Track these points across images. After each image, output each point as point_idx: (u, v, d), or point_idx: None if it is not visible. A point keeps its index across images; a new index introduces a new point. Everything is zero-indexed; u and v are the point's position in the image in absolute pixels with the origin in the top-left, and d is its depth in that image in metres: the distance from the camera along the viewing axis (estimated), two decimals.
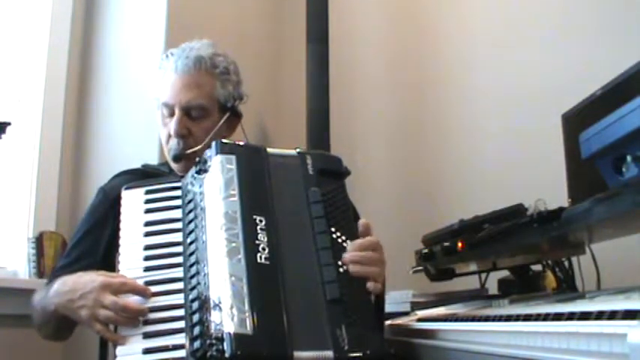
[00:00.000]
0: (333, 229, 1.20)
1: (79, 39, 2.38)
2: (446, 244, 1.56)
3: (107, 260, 1.41)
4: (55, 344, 2.11)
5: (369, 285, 1.16)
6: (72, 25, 2.34)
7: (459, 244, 1.51)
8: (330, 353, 1.06)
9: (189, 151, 1.46)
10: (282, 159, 1.27)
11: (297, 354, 1.04)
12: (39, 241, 2.08)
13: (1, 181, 2.18)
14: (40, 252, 2.05)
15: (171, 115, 1.47)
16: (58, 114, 2.27)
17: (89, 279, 1.19)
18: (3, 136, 1.36)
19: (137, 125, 2.21)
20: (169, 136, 1.48)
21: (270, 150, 1.28)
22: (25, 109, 2.22)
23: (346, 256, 1.17)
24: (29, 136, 2.21)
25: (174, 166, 1.51)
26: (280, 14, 2.94)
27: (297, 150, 1.29)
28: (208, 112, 1.49)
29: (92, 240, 1.46)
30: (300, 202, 1.22)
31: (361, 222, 1.25)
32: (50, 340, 1.46)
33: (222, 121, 1.51)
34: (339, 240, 1.20)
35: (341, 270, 1.16)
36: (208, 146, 1.33)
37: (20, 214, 2.17)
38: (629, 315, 0.69)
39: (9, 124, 1.37)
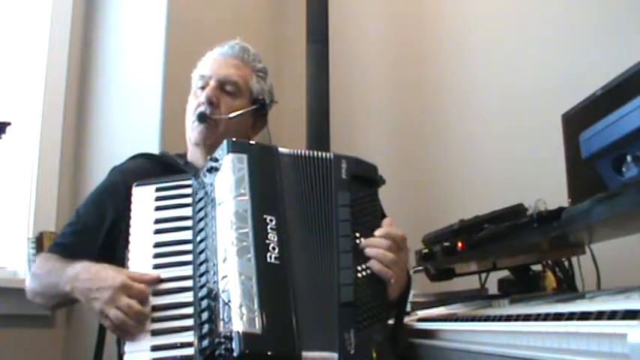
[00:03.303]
0: (357, 234, 1.20)
1: (79, 39, 2.38)
2: (446, 244, 1.56)
3: (111, 237, 1.40)
4: (55, 344, 2.12)
5: (379, 268, 1.16)
6: (72, 25, 2.34)
7: (459, 244, 1.52)
8: (334, 355, 1.06)
9: (214, 116, 1.49)
10: (313, 161, 1.26)
11: (305, 354, 1.05)
12: (39, 241, 2.07)
13: (1, 181, 2.18)
14: (40, 252, 2.05)
15: (205, 87, 1.52)
16: (58, 114, 2.27)
17: (111, 274, 1.19)
18: (3, 136, 1.36)
19: (137, 125, 2.21)
20: (198, 105, 1.51)
21: (302, 152, 1.27)
22: (25, 109, 2.23)
23: (368, 239, 1.19)
24: (29, 136, 2.21)
25: (191, 134, 1.51)
26: (280, 14, 2.94)
27: (334, 153, 1.29)
28: (240, 93, 1.54)
29: (100, 214, 1.45)
30: (326, 204, 1.22)
31: (386, 220, 1.26)
32: (42, 307, 1.46)
33: (249, 108, 1.54)
34: (363, 243, 1.20)
35: (359, 275, 1.16)
36: (230, 125, 1.47)
37: (20, 214, 2.17)
38: (629, 315, 0.69)
39: (9, 124, 1.37)
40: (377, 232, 1.21)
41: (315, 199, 1.22)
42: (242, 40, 1.61)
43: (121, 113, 2.28)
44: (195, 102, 1.53)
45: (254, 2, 2.82)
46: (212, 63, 1.56)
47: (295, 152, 1.27)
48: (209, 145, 1.48)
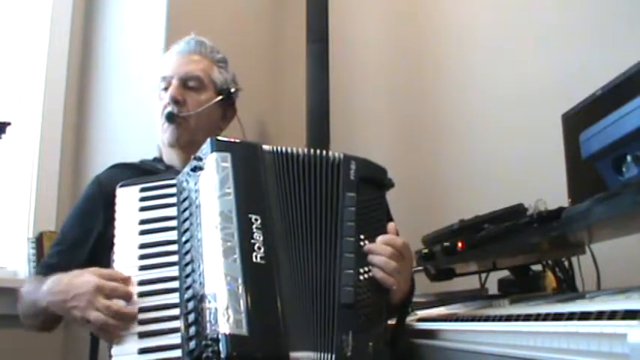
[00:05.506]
0: (362, 237, 1.20)
1: (79, 39, 2.38)
2: (446, 244, 1.55)
3: (96, 250, 1.41)
4: (55, 344, 2.12)
5: (382, 275, 1.16)
6: (72, 25, 2.34)
7: (459, 244, 1.51)
8: (330, 356, 1.06)
9: (182, 114, 1.48)
10: (312, 160, 1.25)
11: (293, 354, 1.04)
12: (39, 241, 2.07)
13: (1, 181, 2.18)
14: (40, 252, 2.05)
15: (168, 87, 1.52)
16: (58, 114, 2.27)
17: (84, 280, 1.17)
18: (3, 136, 1.36)
19: (137, 125, 2.21)
20: (164, 107, 1.50)
21: (297, 150, 1.25)
22: (25, 109, 2.23)
23: (371, 246, 1.19)
24: (29, 136, 2.21)
25: (163, 136, 1.51)
26: (280, 14, 2.94)
27: (344, 154, 1.28)
28: (204, 87, 1.53)
29: (83, 230, 1.45)
30: (330, 204, 1.21)
31: (390, 225, 1.25)
32: (33, 331, 1.47)
33: (216, 99, 1.54)
34: (366, 248, 1.20)
35: (361, 277, 1.16)
36: (200, 120, 1.47)
37: (20, 214, 2.17)
38: (629, 315, 0.69)
39: (9, 124, 1.37)
40: (379, 240, 1.20)
41: (315, 199, 1.21)
42: (206, 36, 1.61)
43: (121, 113, 2.28)
44: (161, 104, 1.52)
45: (254, 2, 2.82)
46: (171, 63, 1.55)
47: (283, 150, 1.25)
48: (183, 145, 1.48)
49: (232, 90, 1.58)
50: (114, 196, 1.29)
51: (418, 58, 2.62)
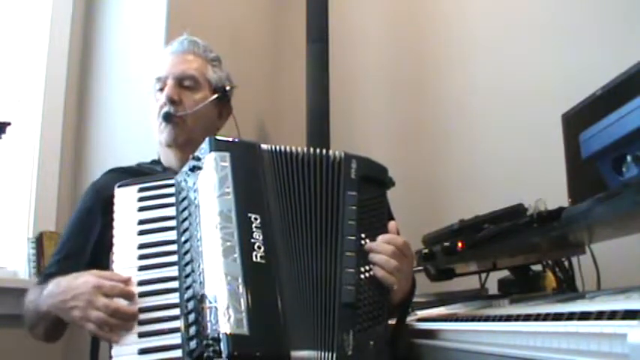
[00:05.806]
0: (362, 235, 1.20)
1: (79, 39, 2.38)
2: (446, 244, 1.56)
3: (96, 257, 1.41)
4: (55, 344, 2.11)
5: (383, 274, 1.16)
6: (72, 25, 2.34)
7: (459, 244, 1.52)
8: (327, 355, 1.06)
9: (179, 114, 1.48)
10: (320, 160, 1.25)
11: (294, 353, 1.04)
12: (39, 241, 2.07)
13: (1, 181, 2.18)
14: (40, 252, 2.05)
15: (163, 88, 1.51)
16: (58, 114, 2.27)
17: (83, 280, 1.18)
18: (3, 136, 1.36)
19: (137, 125, 2.21)
20: (161, 107, 1.50)
21: (307, 150, 1.25)
22: (25, 109, 2.22)
23: (372, 244, 1.18)
24: (29, 136, 2.21)
25: (161, 137, 1.51)
26: (280, 14, 2.94)
27: (345, 152, 1.28)
28: (200, 86, 1.53)
29: (82, 238, 1.45)
30: (330, 203, 1.21)
31: (391, 223, 1.25)
32: (40, 341, 1.47)
33: (212, 98, 1.53)
34: (367, 247, 1.20)
35: (362, 276, 1.16)
36: (197, 119, 1.46)
37: (20, 214, 2.17)
38: (629, 315, 0.69)
39: (9, 124, 1.37)
40: (380, 238, 1.20)
41: (315, 198, 1.21)
42: (190, 33, 1.61)
43: (121, 113, 2.28)
44: (158, 105, 1.52)
45: (254, 2, 2.82)
46: (165, 63, 1.55)
47: (282, 149, 1.25)
48: (181, 144, 1.49)
49: (227, 88, 1.58)
50: (111, 202, 1.29)
51: (418, 57, 2.62)
